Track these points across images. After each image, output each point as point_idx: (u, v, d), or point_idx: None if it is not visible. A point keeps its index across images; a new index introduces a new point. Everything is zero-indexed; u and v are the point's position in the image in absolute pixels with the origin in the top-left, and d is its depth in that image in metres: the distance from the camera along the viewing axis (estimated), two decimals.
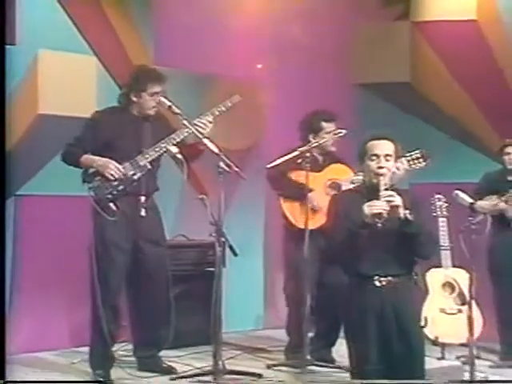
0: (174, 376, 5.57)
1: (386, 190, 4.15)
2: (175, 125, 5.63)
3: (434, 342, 6.28)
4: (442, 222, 6.52)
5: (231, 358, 5.98)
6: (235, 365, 5.72)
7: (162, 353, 5.80)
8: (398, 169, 4.50)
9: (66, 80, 6.31)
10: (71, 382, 5.44)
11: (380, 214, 4.07)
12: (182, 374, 5.59)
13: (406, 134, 5.75)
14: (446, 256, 6.52)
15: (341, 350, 5.32)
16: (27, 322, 6.09)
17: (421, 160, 5.79)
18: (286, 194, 6.00)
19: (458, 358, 6.21)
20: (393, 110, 7.48)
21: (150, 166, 5.53)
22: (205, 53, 6.96)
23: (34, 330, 6.16)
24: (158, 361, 5.74)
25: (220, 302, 5.35)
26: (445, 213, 6.54)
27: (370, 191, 4.19)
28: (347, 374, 4.74)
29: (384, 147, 4.22)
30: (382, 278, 4.20)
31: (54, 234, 6.17)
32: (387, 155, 4.21)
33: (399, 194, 4.13)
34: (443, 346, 6.37)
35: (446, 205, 6.51)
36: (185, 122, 5.53)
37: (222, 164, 5.33)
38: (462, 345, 5.96)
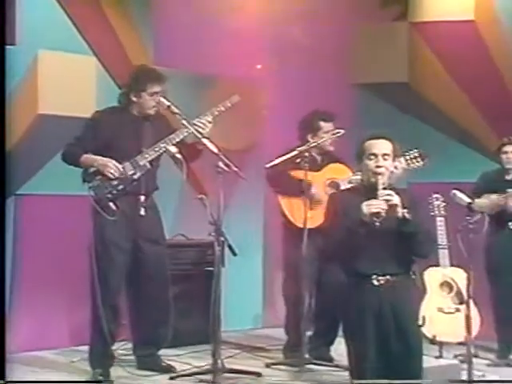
0: (174, 375, 5.58)
1: (384, 189, 4.15)
2: (175, 125, 5.64)
3: (432, 341, 6.28)
4: (440, 222, 6.53)
5: (230, 356, 5.99)
6: (234, 363, 5.74)
7: (162, 352, 5.81)
8: (396, 168, 4.52)
9: (65, 80, 6.32)
10: (72, 381, 5.44)
11: (378, 213, 4.08)
12: (181, 373, 5.60)
13: (404, 134, 5.79)
14: (443, 255, 6.53)
15: (339, 349, 5.32)
16: (27, 320, 6.11)
17: (419, 159, 5.81)
18: (286, 191, 5.99)
19: (455, 356, 6.22)
20: (391, 110, 7.48)
21: (149, 166, 5.54)
22: (204, 53, 6.96)
23: (34, 329, 6.18)
24: (158, 359, 5.75)
25: (219, 301, 5.36)
26: (443, 212, 6.55)
27: (368, 190, 4.20)
28: (346, 373, 4.76)
29: (382, 146, 4.23)
30: (380, 277, 4.20)
31: (54, 234, 6.18)
32: (385, 154, 4.21)
33: (397, 193, 4.14)
34: (441, 344, 6.38)
35: (444, 204, 6.53)
36: (184, 122, 5.53)
37: (221, 164, 5.34)
38: (460, 343, 5.98)
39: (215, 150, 5.40)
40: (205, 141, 5.47)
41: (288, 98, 7.11)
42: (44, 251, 6.20)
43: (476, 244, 5.10)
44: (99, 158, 5.47)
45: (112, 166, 5.43)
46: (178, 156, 5.53)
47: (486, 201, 6.35)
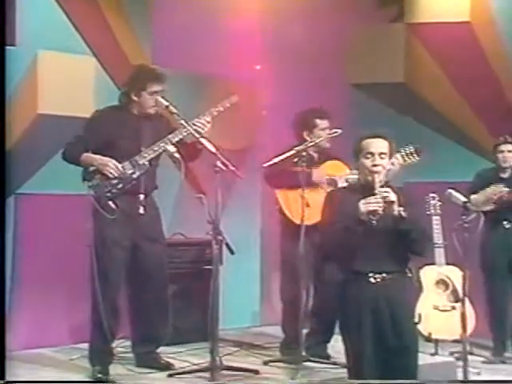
0: (172, 372, 5.61)
1: (382, 187, 4.19)
2: (175, 124, 5.66)
3: (428, 338, 6.32)
4: (436, 221, 6.57)
5: (228, 354, 6.01)
6: (232, 361, 5.76)
7: (161, 349, 5.83)
8: (392, 164, 4.55)
9: (65, 80, 6.32)
10: (72, 382, 5.45)
11: (375, 210, 4.11)
12: (180, 370, 5.62)
13: (401, 134, 5.81)
14: (439, 254, 6.57)
15: (336, 346, 5.36)
16: (27, 318, 6.12)
17: (415, 155, 5.82)
18: (284, 185, 5.98)
19: (451, 353, 6.25)
20: (387, 110, 7.50)
21: (148, 165, 5.55)
22: (202, 53, 6.96)
23: (34, 327, 6.19)
24: (157, 357, 5.77)
25: (217, 299, 5.38)
26: (438, 211, 6.59)
27: (365, 189, 4.23)
28: (343, 370, 4.81)
29: (379, 145, 4.26)
30: (377, 275, 4.24)
31: (54, 232, 6.19)
32: (382, 153, 4.25)
33: (394, 191, 4.17)
34: (437, 342, 6.41)
35: (440, 203, 6.56)
36: (182, 121, 5.55)
37: (218, 163, 5.36)
38: (455, 341, 6.01)
39: (213, 150, 5.42)
40: (203, 140, 5.48)
41: (286, 98, 7.11)
42: (44, 250, 6.22)
43: (471, 243, 5.12)
44: (99, 157, 5.48)
45: (112, 166, 5.45)
46: (177, 155, 5.55)
47: (480, 196, 6.42)
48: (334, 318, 5.43)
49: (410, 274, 4.37)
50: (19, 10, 6.01)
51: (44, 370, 5.71)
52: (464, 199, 5.29)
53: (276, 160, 5.88)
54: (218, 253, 5.44)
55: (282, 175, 5.92)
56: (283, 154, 5.86)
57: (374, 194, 4.16)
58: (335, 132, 6.01)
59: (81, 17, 6.54)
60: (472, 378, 5.35)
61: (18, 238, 6.24)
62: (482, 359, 6.38)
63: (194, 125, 5.54)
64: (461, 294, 5.30)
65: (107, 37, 6.73)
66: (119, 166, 5.48)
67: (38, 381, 5.34)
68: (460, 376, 5.24)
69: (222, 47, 7.08)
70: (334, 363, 5.76)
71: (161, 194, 5.85)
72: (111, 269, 5.51)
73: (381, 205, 4.13)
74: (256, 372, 5.64)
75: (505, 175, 6.60)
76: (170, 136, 5.59)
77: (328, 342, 6.04)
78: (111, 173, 5.45)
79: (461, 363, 5.22)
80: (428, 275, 6.61)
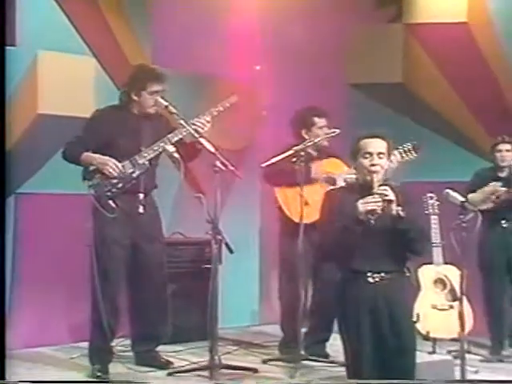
0: (172, 370, 5.62)
1: (380, 186, 4.20)
2: (174, 124, 5.68)
3: (426, 337, 6.35)
4: (434, 220, 6.60)
5: (227, 353, 6.02)
6: (231, 360, 5.77)
7: (160, 348, 5.84)
8: (390, 161, 4.57)
9: (64, 80, 6.35)
10: (72, 381, 5.46)
11: (374, 210, 4.13)
12: (179, 369, 5.63)
13: (399, 134, 5.83)
14: (437, 253, 6.60)
15: (335, 345, 5.37)
16: (27, 317, 6.14)
17: (412, 152, 5.84)
18: (282, 182, 5.99)
19: (449, 352, 6.28)
20: (386, 110, 7.52)
21: (148, 165, 5.57)
22: (202, 53, 6.97)
23: (34, 326, 6.21)
24: (156, 355, 5.79)
25: (216, 298, 5.39)
26: (436, 211, 6.62)
27: (364, 188, 4.24)
28: (341, 369, 4.82)
29: (377, 145, 4.27)
30: (375, 274, 4.25)
31: (54, 231, 6.21)
32: (380, 153, 4.26)
33: (392, 191, 4.18)
34: (434, 340, 6.45)
35: (438, 203, 6.59)
36: (181, 121, 5.57)
37: (218, 163, 5.37)
38: (453, 340, 6.05)
39: (212, 150, 5.43)
40: (202, 140, 5.49)
41: (286, 98, 7.12)
42: (44, 249, 6.23)
43: (469, 242, 5.12)
44: (99, 156, 5.49)
45: (112, 165, 5.46)
46: (176, 155, 5.56)
47: (478, 195, 6.45)
48: (333, 316, 5.48)
49: (408, 274, 4.39)
50: (19, 11, 6.03)
51: (44, 368, 5.73)
52: (462, 199, 5.30)
53: (274, 160, 5.88)
54: (217, 252, 5.46)
55: (280, 173, 5.93)
56: (282, 153, 5.87)
57: (372, 194, 4.18)
58: (334, 132, 6.02)
59: (81, 17, 6.56)
60: (470, 376, 5.36)
61: (18, 238, 6.26)
62: (479, 358, 6.41)
63: (194, 124, 5.55)
64: (458, 293, 5.29)
65: (107, 37, 6.75)
66: (119, 165, 5.49)
67: (38, 380, 5.31)
68: (458, 374, 5.26)
69: (222, 47, 7.10)
70: (333, 362, 5.77)
71: (160, 194, 5.87)
72: (111, 268, 5.52)
73: (379, 204, 4.14)
74: (255, 371, 5.65)
75: (503, 174, 6.64)
76: (169, 136, 5.60)
77: (327, 340, 6.05)
78: (111, 172, 5.46)
79: (458, 362, 5.20)
80: (426, 274, 6.64)
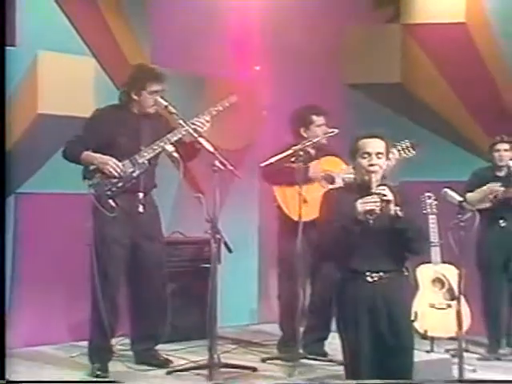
0: (171, 369, 5.62)
1: (378, 186, 4.22)
2: (174, 124, 5.68)
3: (424, 336, 6.39)
4: (432, 219, 6.63)
5: (226, 351, 6.02)
6: (230, 358, 5.76)
7: (159, 346, 5.85)
8: (389, 159, 4.58)
9: (64, 80, 6.36)
10: (72, 381, 5.46)
11: (372, 210, 4.15)
12: (179, 368, 5.63)
13: (397, 134, 5.86)
14: (435, 252, 6.64)
15: (333, 344, 5.39)
16: (28, 316, 6.16)
17: (410, 149, 5.84)
18: (281, 181, 5.99)
19: (446, 351, 6.32)
20: (384, 110, 7.54)
21: (148, 164, 5.58)
22: (201, 53, 6.99)
23: (35, 325, 6.22)
24: (155, 354, 5.79)
25: (215, 297, 5.39)
26: (434, 210, 6.66)
27: (362, 188, 4.26)
28: (339, 368, 4.84)
29: (376, 145, 4.29)
30: (374, 274, 4.27)
31: (54, 231, 6.22)
32: (379, 153, 4.28)
33: (391, 191, 4.20)
34: (432, 339, 6.48)
35: (436, 202, 6.63)
36: (180, 121, 5.57)
37: (217, 163, 5.37)
38: (451, 338, 6.07)
39: (211, 149, 5.43)
40: (201, 140, 5.49)
41: (285, 98, 7.13)
42: (44, 248, 6.25)
43: (467, 241, 5.15)
44: (99, 155, 5.50)
45: (112, 164, 5.47)
46: (175, 155, 5.57)
47: (476, 194, 6.49)
48: (331, 315, 5.51)
49: (406, 273, 4.41)
50: (19, 11, 6.04)
51: (44, 367, 5.74)
52: (459, 198, 5.33)
53: (273, 160, 5.88)
54: (217, 251, 5.46)
55: (279, 173, 5.94)
56: (281, 153, 5.88)
57: (370, 194, 4.19)
58: (332, 131, 6.04)
59: (80, 18, 6.57)
60: (467, 375, 5.39)
61: (19, 237, 6.27)
62: (477, 356, 6.45)
63: (193, 124, 5.56)
64: (456, 292, 5.33)
65: (106, 37, 6.76)
66: (120, 164, 5.50)
67: (38, 380, 5.34)
68: (455, 373, 5.29)
69: (221, 47, 7.11)
70: (331, 361, 5.77)
71: (160, 193, 5.87)
72: (111, 267, 5.53)
73: (378, 204, 4.16)
74: (254, 369, 5.65)
75: (501, 174, 6.68)
76: (168, 135, 5.60)
77: (325, 339, 6.06)
78: (111, 171, 5.47)
79: (456, 360, 5.25)
80: (424, 273, 6.67)
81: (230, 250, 5.49)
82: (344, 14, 7.46)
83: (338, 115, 6.40)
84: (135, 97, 5.63)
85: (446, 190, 5.52)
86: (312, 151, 6.10)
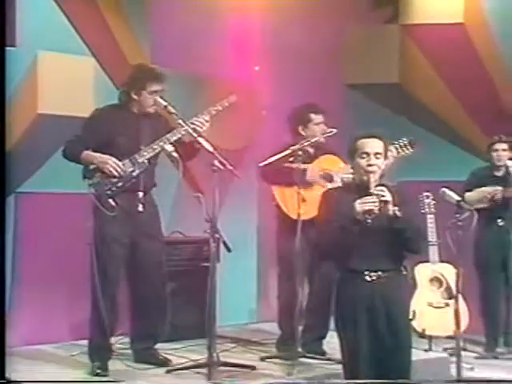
0: (170, 368, 5.63)
1: (377, 186, 4.24)
2: (174, 124, 5.69)
3: (422, 335, 6.41)
4: (430, 219, 6.65)
5: (225, 350, 6.03)
6: (229, 357, 5.78)
7: (159, 345, 5.86)
8: (387, 158, 4.60)
9: (64, 80, 6.38)
10: (72, 381, 5.47)
11: (371, 210, 4.16)
12: (178, 366, 5.64)
13: (396, 134, 5.88)
14: (433, 251, 6.65)
15: (331, 343, 5.41)
16: (28, 315, 6.17)
17: (408, 147, 5.84)
18: (279, 181, 6.00)
19: (444, 349, 6.34)
20: (383, 110, 7.56)
21: (147, 164, 5.59)
22: (201, 53, 7.00)
23: (35, 324, 6.24)
24: (155, 353, 5.80)
25: (214, 296, 5.40)
26: (433, 210, 6.68)
27: (361, 188, 4.28)
28: (338, 366, 4.83)
29: (374, 145, 4.31)
30: (372, 273, 4.29)
31: (54, 230, 6.24)
32: (377, 153, 4.29)
33: (389, 191, 4.22)
34: (430, 338, 6.50)
35: (434, 202, 6.65)
36: (180, 121, 5.58)
37: (216, 162, 5.38)
38: (449, 337, 6.09)
39: (210, 149, 5.44)
40: (200, 139, 5.50)
41: (284, 98, 7.13)
42: (44, 248, 6.26)
43: (465, 240, 5.17)
44: (99, 155, 5.51)
45: (112, 164, 5.48)
46: (175, 155, 5.58)
47: (474, 194, 6.51)
48: (330, 314, 5.52)
49: (405, 272, 4.42)
50: (19, 11, 6.06)
51: (45, 365, 5.75)
52: (457, 198, 5.36)
53: (272, 159, 5.90)
54: (216, 250, 5.46)
55: (277, 172, 5.96)
56: (280, 152, 5.89)
57: (369, 194, 4.21)
58: (331, 131, 6.06)
59: (80, 17, 6.58)
60: (465, 373, 5.42)
61: (19, 237, 6.28)
62: (474, 355, 6.47)
63: (193, 124, 5.56)
64: (454, 291, 5.35)
65: (106, 37, 6.77)
66: (120, 164, 5.51)
67: (38, 380, 5.35)
68: (453, 371, 5.32)
69: (221, 47, 7.12)
70: (329, 359, 5.79)
71: (159, 193, 5.88)
72: (110, 266, 5.54)
73: (376, 204, 4.18)
74: (253, 368, 5.66)
75: (499, 173, 6.70)
76: (168, 135, 5.61)
77: (323, 338, 6.07)
78: (111, 171, 5.47)
79: (454, 359, 5.29)
80: (422, 272, 6.69)
81: (229, 250, 5.50)
82: (343, 15, 7.47)
83: (337, 115, 6.41)
84: (135, 96, 5.64)
85: (443, 189, 5.54)
86: (311, 150, 6.11)
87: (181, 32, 6.95)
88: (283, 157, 5.88)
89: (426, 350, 6.36)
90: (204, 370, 5.44)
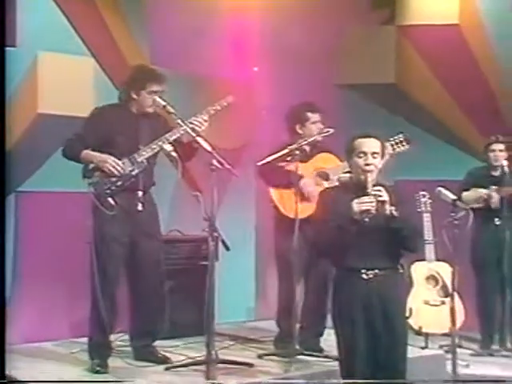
0: (169, 365, 5.64)
1: (374, 186, 4.28)
2: (172, 123, 5.70)
3: (418, 332, 6.44)
4: (426, 218, 6.70)
5: (224, 348, 6.04)
6: (228, 355, 5.78)
7: (158, 343, 5.87)
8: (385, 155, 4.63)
9: (64, 80, 6.40)
10: (73, 381, 5.48)
11: (368, 210, 4.20)
12: (177, 364, 5.65)
13: (393, 134, 5.92)
14: (429, 250, 6.69)
15: (329, 340, 5.43)
16: (28, 313, 6.19)
17: (404, 143, 5.87)
18: (276, 183, 6.02)
19: (440, 347, 6.37)
20: (379, 110, 7.59)
21: (146, 163, 5.60)
22: (200, 53, 7.01)
23: (35, 321, 6.26)
24: (154, 351, 5.81)
25: (213, 294, 5.39)
26: (429, 208, 6.72)
27: (358, 188, 4.31)
28: (335, 363, 4.85)
29: (371, 145, 4.34)
30: (369, 271, 4.33)
31: (54, 229, 6.25)
32: (374, 153, 4.33)
33: (386, 190, 4.26)
34: (427, 335, 6.53)
35: (430, 201, 6.69)
36: (179, 121, 5.59)
37: (214, 162, 5.38)
38: (445, 334, 6.13)
39: (209, 148, 5.44)
40: (199, 139, 5.51)
41: (283, 98, 7.12)
42: (44, 246, 6.27)
43: (461, 239, 5.20)
44: (98, 154, 5.52)
45: (111, 163, 5.49)
46: (174, 154, 5.60)
47: (471, 193, 6.55)
48: (327, 312, 5.57)
49: (401, 270, 4.46)
50: (19, 12, 6.08)
51: (45, 363, 5.77)
52: (453, 197, 5.39)
53: (269, 159, 5.92)
54: (214, 249, 5.44)
55: (275, 174, 5.99)
56: (277, 152, 5.91)
57: (366, 194, 4.24)
58: (328, 131, 6.09)
59: (79, 18, 6.60)
60: (461, 370, 5.45)
61: (19, 235, 6.30)
62: (470, 352, 6.52)
63: (191, 123, 5.57)
64: (450, 289, 5.38)
65: (105, 37, 6.79)
66: (119, 163, 5.52)
67: (38, 380, 5.33)
68: (449, 368, 5.36)
69: (220, 47, 7.13)
70: (327, 356, 5.80)
71: (158, 192, 5.89)
72: (110, 264, 5.55)
73: (374, 205, 4.21)
74: (251, 365, 5.68)
75: (496, 173, 6.74)
76: (167, 135, 5.62)
77: (321, 335, 6.09)
78: (111, 170, 5.49)
79: (450, 356, 5.30)
80: (418, 271, 6.73)
81: (227, 248, 5.50)
82: (342, 15, 7.48)
83: (334, 115, 6.44)
84: (135, 96, 5.66)
85: (439, 188, 5.58)
86: (307, 148, 6.12)
87: (180, 32, 6.96)
88: (281, 156, 5.90)
89: (422, 348, 6.40)
90: (202, 368, 5.44)
